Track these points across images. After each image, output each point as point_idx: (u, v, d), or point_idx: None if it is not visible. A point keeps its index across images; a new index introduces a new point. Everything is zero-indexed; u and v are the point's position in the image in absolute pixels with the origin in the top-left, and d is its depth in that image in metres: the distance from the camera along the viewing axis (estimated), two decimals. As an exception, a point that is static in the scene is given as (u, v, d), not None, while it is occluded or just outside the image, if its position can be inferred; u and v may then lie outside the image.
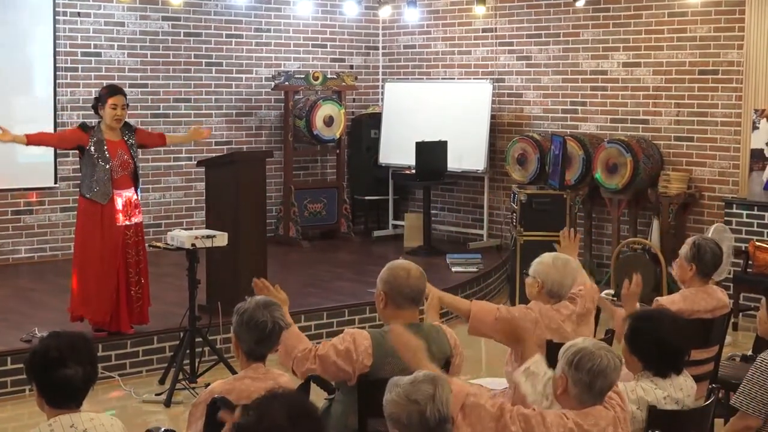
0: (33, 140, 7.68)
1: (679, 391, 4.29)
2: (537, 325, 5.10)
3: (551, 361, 4.04)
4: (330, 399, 4.71)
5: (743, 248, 9.55)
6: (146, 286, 7.85)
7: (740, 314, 9.39)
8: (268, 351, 4.26)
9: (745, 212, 9.76)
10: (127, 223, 7.67)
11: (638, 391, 4.21)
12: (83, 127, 7.70)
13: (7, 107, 10.58)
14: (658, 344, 4.27)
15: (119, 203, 7.61)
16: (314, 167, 12.83)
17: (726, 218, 9.82)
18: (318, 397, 4.70)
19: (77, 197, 7.85)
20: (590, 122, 11.10)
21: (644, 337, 4.31)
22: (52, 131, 10.62)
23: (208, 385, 4.46)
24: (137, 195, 7.80)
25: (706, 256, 5.77)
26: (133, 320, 7.79)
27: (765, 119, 9.67)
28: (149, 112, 11.36)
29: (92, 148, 7.54)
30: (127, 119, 7.78)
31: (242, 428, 2.75)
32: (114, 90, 7.75)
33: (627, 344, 4.38)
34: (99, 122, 7.69)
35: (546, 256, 5.29)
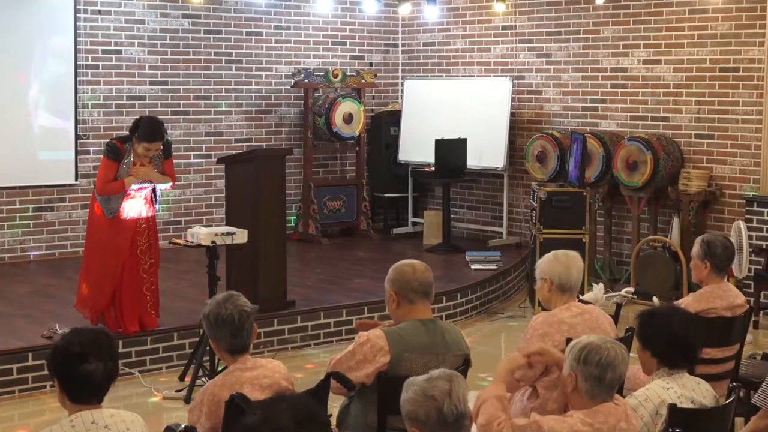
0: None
1: (692, 391, 4.28)
2: (547, 337, 5.06)
3: None
4: (350, 396, 4.71)
5: (764, 246, 9.52)
6: (156, 290, 7.81)
7: (761, 313, 9.36)
8: (247, 341, 4.26)
9: (765, 210, 9.72)
10: (135, 216, 7.61)
11: (651, 396, 4.19)
12: (112, 154, 7.47)
13: (28, 105, 10.65)
14: (670, 339, 4.28)
15: (129, 207, 7.58)
16: (334, 164, 12.85)
17: (747, 216, 9.78)
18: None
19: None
20: (610, 120, 11.07)
21: (654, 332, 4.32)
22: (72, 130, 10.73)
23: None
24: (155, 195, 7.76)
25: (717, 251, 5.75)
26: (147, 323, 7.74)
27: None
28: (169, 109, 11.39)
29: (122, 168, 7.53)
30: (167, 139, 7.66)
31: (248, 427, 2.77)
32: (152, 136, 7.45)
33: (639, 341, 4.39)
34: (131, 140, 7.52)
35: (547, 255, 5.30)
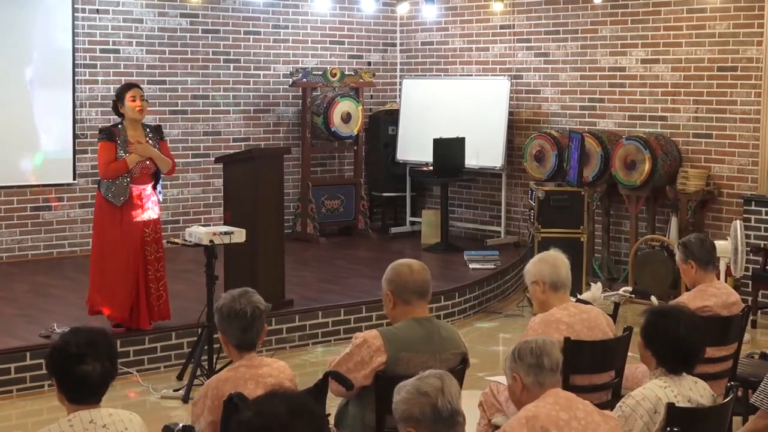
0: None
1: (689, 390, 4.28)
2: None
3: (570, 358, 4.06)
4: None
5: (762, 245, 9.52)
6: (165, 282, 7.86)
7: (759, 312, 9.36)
8: (256, 338, 4.27)
9: (764, 209, 9.72)
10: (145, 218, 7.67)
11: (648, 395, 4.19)
12: (106, 136, 7.59)
13: (27, 104, 10.65)
14: (674, 342, 4.27)
15: (136, 200, 7.61)
16: (332, 164, 12.85)
17: (745, 215, 9.78)
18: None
19: (95, 192, 7.86)
20: (608, 119, 11.08)
21: (660, 334, 4.31)
22: (70, 129, 10.74)
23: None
24: (156, 193, 7.79)
25: (695, 247, 5.79)
26: (155, 317, 7.80)
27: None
28: (167, 108, 11.39)
29: (119, 152, 7.55)
30: (155, 123, 7.72)
31: (242, 423, 2.77)
32: (129, 84, 7.80)
33: (643, 338, 4.39)
34: (122, 122, 7.68)
35: (532, 260, 5.37)
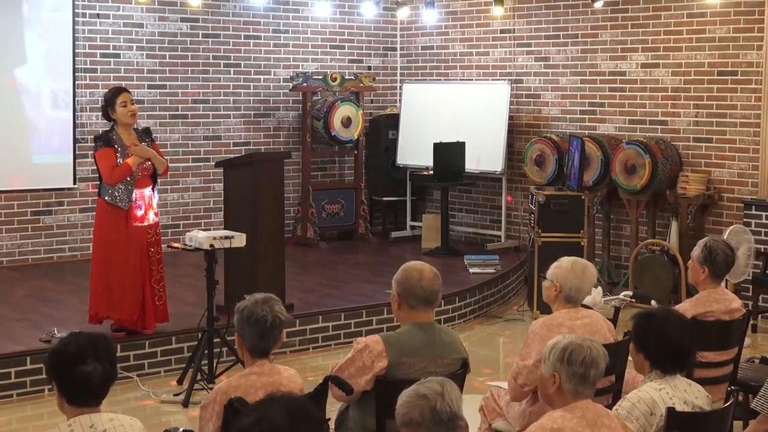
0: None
1: (684, 392, 4.28)
2: (547, 341, 5.06)
3: None
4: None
5: (762, 250, 9.52)
6: (164, 283, 7.87)
7: (759, 316, 9.36)
8: (271, 346, 4.27)
9: (764, 214, 9.71)
10: (148, 222, 7.70)
11: (643, 398, 4.20)
12: (104, 142, 7.60)
13: (27, 108, 10.65)
14: (664, 343, 4.30)
15: (139, 203, 7.63)
16: (332, 168, 12.85)
17: (745, 220, 9.78)
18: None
19: (96, 198, 7.86)
20: (608, 123, 11.08)
21: (650, 336, 4.34)
22: (70, 133, 10.74)
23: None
24: (155, 195, 7.82)
25: (718, 258, 5.74)
26: (158, 318, 7.81)
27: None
28: (168, 113, 11.39)
29: (118, 157, 7.57)
30: (146, 126, 7.73)
31: (242, 429, 2.78)
32: (119, 89, 7.77)
33: (634, 342, 4.40)
34: (113, 127, 7.68)
35: (564, 260, 5.28)
